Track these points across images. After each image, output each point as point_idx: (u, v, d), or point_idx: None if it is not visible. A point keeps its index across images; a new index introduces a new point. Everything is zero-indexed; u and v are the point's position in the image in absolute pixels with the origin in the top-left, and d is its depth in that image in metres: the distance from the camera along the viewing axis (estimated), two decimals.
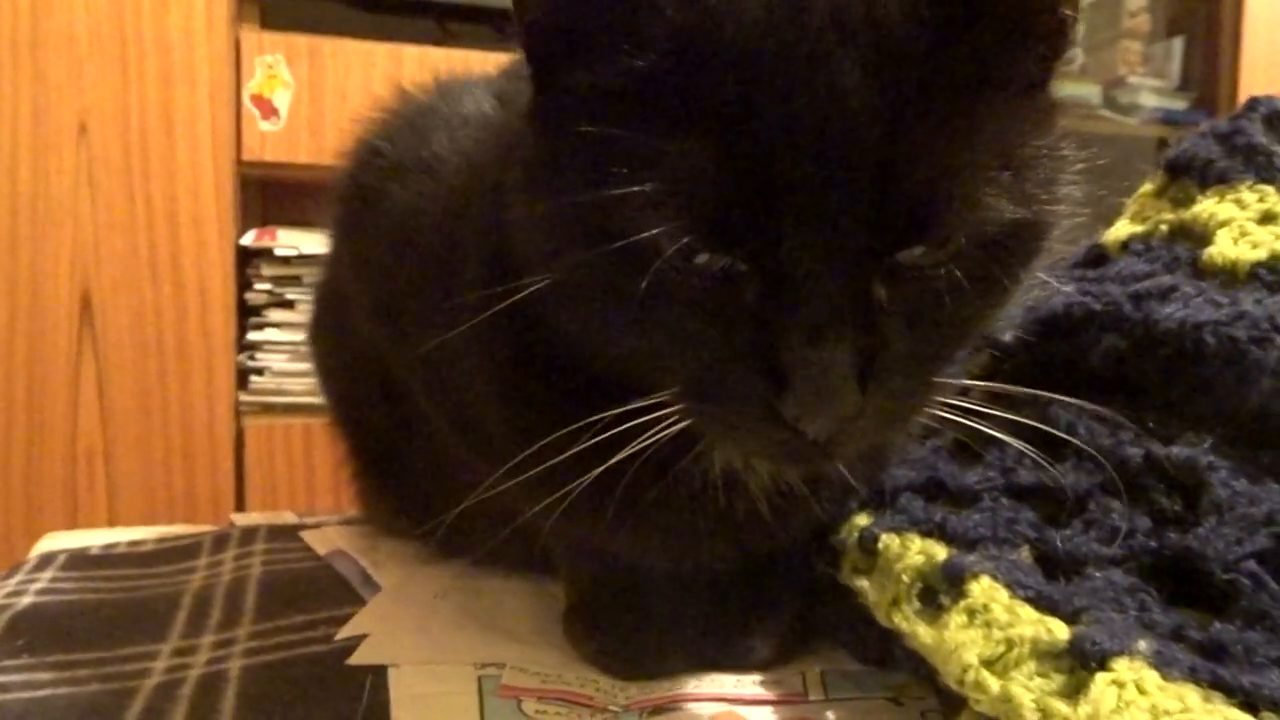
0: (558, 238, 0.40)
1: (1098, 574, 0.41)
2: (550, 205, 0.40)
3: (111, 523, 1.56)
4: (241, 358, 1.67)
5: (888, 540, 0.47)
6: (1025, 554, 0.44)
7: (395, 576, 0.70)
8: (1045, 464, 0.46)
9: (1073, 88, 2.41)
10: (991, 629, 0.39)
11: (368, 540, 0.81)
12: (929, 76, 0.36)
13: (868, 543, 0.49)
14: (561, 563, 0.61)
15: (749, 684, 0.53)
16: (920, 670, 0.45)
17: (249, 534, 0.88)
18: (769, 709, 0.51)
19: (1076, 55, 2.46)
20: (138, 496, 1.62)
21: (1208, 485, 0.42)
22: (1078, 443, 0.47)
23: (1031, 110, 0.40)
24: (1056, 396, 0.46)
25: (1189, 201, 0.55)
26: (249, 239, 1.66)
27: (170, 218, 1.61)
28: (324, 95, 1.66)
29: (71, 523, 1.56)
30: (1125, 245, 0.56)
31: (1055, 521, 0.46)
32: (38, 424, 1.57)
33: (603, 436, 0.42)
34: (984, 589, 0.40)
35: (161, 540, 0.90)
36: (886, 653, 0.50)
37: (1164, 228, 0.55)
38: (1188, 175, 0.56)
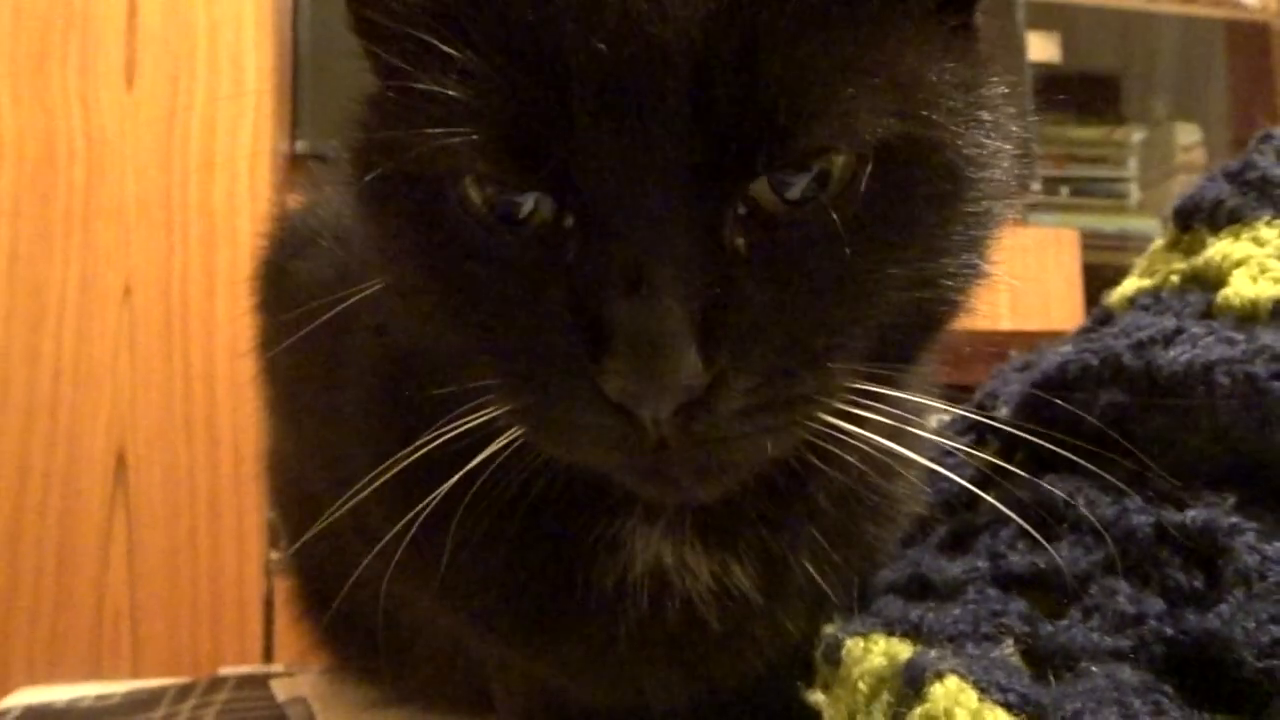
0: (373, 190, 0.36)
1: (1098, 670, 0.32)
2: (366, 152, 0.36)
3: None
4: (273, 515, 1.64)
5: (850, 645, 0.39)
6: (1010, 650, 0.35)
7: None
8: (1040, 543, 0.38)
9: (1131, 222, 2.36)
10: None
11: (333, 686, 0.74)
12: None
13: (831, 651, 0.40)
14: (496, 700, 0.53)
15: None
16: None
17: (216, 683, 0.81)
18: None
19: (1132, 191, 2.43)
20: (162, 657, 1.56)
21: (1231, 552, 0.33)
22: (1078, 515, 0.38)
23: (940, 34, 0.35)
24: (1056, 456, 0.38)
25: (1201, 247, 0.48)
26: None
27: (207, 377, 1.62)
28: None
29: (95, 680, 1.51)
30: (1132, 301, 0.49)
31: (1053, 610, 0.37)
32: (66, 584, 1.54)
33: (416, 453, 0.35)
34: (947, 692, 0.32)
35: (130, 693, 0.84)
36: None
37: (1175, 279, 0.47)
38: (1197, 220, 0.49)
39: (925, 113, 0.33)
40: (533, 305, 0.33)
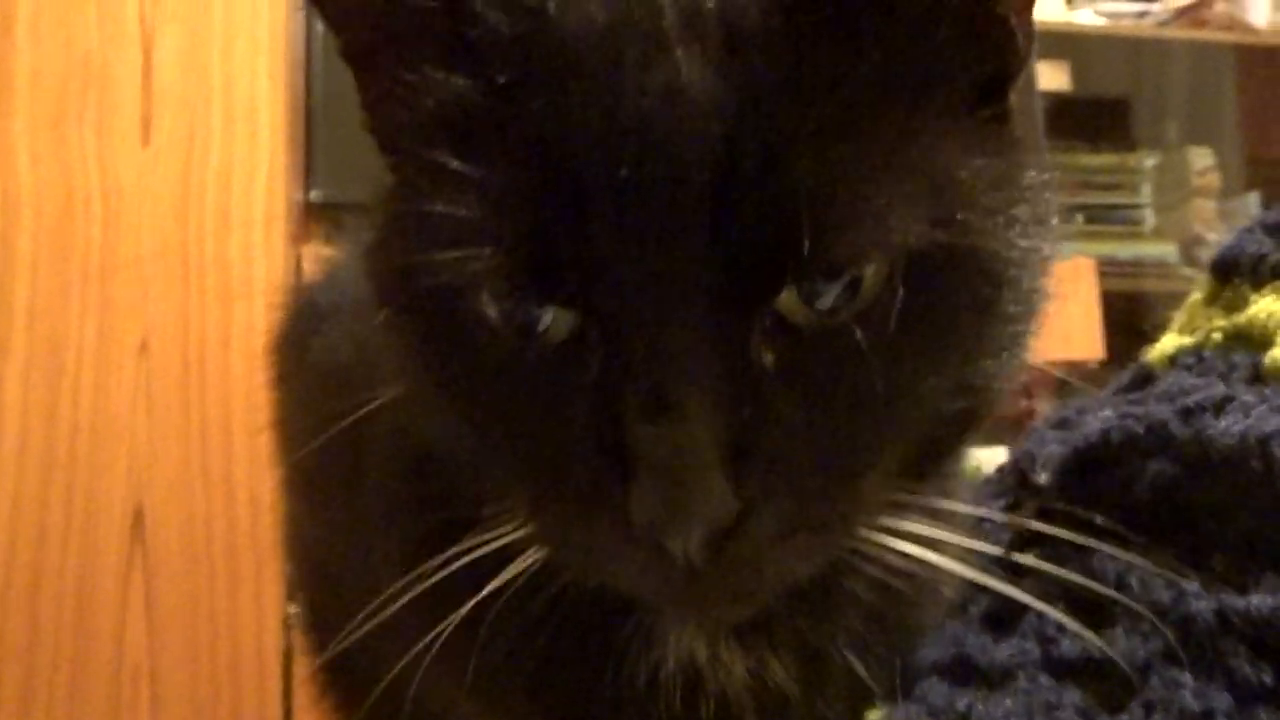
0: (390, 304, 0.35)
1: None
2: (381, 267, 0.35)
3: None
4: (297, 605, 1.62)
5: None
6: None
7: None
8: (1090, 633, 0.36)
9: (1147, 248, 2.35)
10: None
11: None
12: (808, 75, 0.29)
13: None
14: None
15: None
16: None
17: None
18: None
19: (1148, 216, 2.42)
20: (182, 713, 1.55)
21: None
22: (1129, 598, 0.37)
23: (969, 130, 0.33)
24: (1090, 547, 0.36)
25: (1243, 304, 0.46)
26: None
27: (225, 428, 1.62)
28: None
29: None
30: (1173, 360, 0.47)
31: (1112, 704, 0.35)
32: (84, 644, 1.53)
33: (437, 574, 0.34)
34: None
35: None
36: None
37: (1217, 336, 0.46)
38: (1237, 275, 0.47)
39: (961, 216, 0.31)
40: (554, 424, 0.31)
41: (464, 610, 0.34)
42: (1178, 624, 0.35)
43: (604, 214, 0.29)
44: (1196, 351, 0.46)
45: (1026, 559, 0.40)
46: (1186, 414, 0.40)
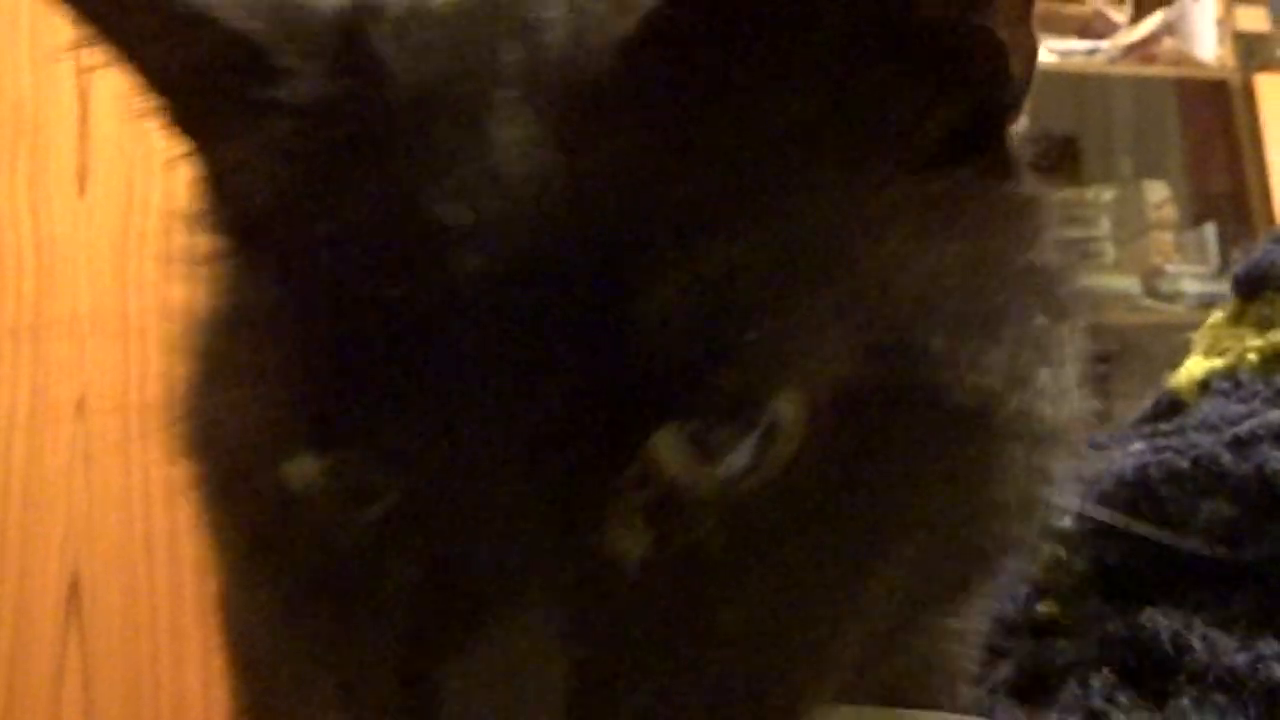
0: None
1: None
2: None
3: None
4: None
5: None
6: None
7: None
8: (1150, 696, 0.31)
9: (1111, 281, 2.37)
10: None
11: None
12: (688, 137, 0.22)
13: None
14: None
15: None
16: None
17: None
18: None
19: (1108, 250, 2.44)
20: None
21: None
22: (1195, 662, 0.31)
23: (938, 197, 0.24)
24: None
25: (1278, 320, 0.42)
26: None
27: (170, 492, 1.53)
28: None
29: None
30: (1205, 385, 0.42)
31: None
32: None
33: None
34: None
35: None
36: None
37: (1252, 356, 0.41)
38: (1268, 288, 0.43)
39: (911, 335, 0.22)
40: (360, 635, 0.23)
41: None
42: (1259, 695, 0.29)
43: (396, 344, 0.22)
44: (1231, 375, 0.42)
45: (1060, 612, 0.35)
46: (1240, 445, 0.35)
